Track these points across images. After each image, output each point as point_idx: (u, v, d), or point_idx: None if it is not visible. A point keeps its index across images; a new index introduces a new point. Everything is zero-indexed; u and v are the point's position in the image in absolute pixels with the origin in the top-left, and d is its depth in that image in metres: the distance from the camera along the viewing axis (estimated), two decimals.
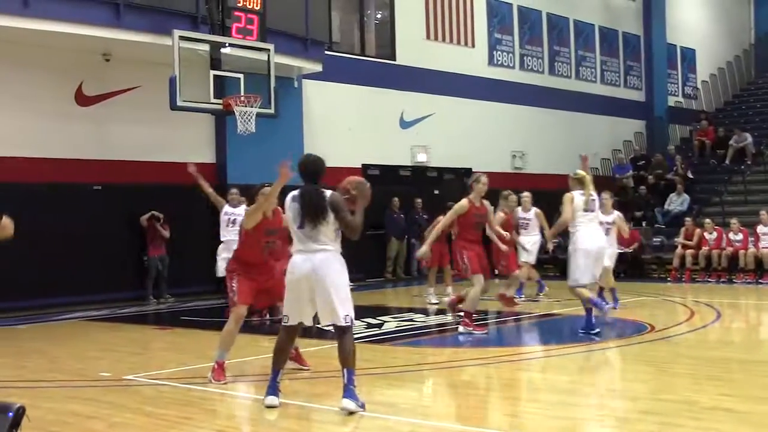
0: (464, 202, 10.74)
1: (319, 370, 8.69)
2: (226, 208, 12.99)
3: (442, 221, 11.34)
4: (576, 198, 10.58)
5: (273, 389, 6.80)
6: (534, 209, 14.73)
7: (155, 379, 8.28)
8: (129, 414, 6.80)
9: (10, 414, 2.34)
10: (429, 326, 11.91)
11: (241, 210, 11.53)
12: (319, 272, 6.56)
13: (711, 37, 31.87)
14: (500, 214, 13.37)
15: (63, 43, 15.04)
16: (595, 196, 10.74)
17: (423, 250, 11.37)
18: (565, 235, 11.55)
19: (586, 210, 10.59)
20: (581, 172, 10.81)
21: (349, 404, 6.47)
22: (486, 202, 10.96)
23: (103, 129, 16.36)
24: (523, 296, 14.70)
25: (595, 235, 10.68)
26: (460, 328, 10.81)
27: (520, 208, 14.60)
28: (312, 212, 6.66)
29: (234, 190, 13.46)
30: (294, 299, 6.73)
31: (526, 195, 14.80)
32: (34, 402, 6.91)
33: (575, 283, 10.46)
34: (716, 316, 12.50)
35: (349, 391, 6.53)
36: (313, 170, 7.08)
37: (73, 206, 15.54)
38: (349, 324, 6.61)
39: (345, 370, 6.60)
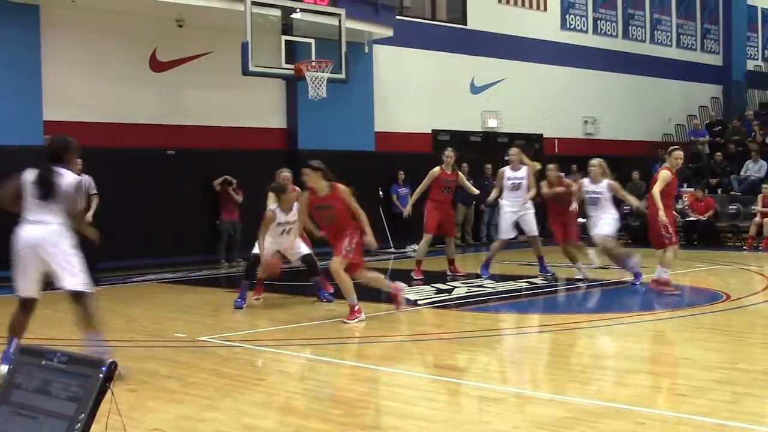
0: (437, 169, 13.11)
1: (389, 334, 8.76)
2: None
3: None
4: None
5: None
6: (606, 181, 12.05)
7: (229, 341, 8.44)
8: (204, 374, 6.95)
9: (104, 368, 2.41)
10: (498, 292, 11.88)
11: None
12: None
13: None
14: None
15: (137, 10, 15.28)
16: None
17: None
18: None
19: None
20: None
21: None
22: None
23: (176, 94, 16.58)
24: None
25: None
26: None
27: (587, 180, 12.30)
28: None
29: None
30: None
31: (595, 163, 12.33)
32: None
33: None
34: None
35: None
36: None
37: (147, 171, 15.82)
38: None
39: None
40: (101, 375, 2.38)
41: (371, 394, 6.43)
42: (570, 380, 6.75)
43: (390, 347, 8.25)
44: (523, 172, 13.01)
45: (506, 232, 13.14)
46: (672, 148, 11.51)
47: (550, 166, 13.11)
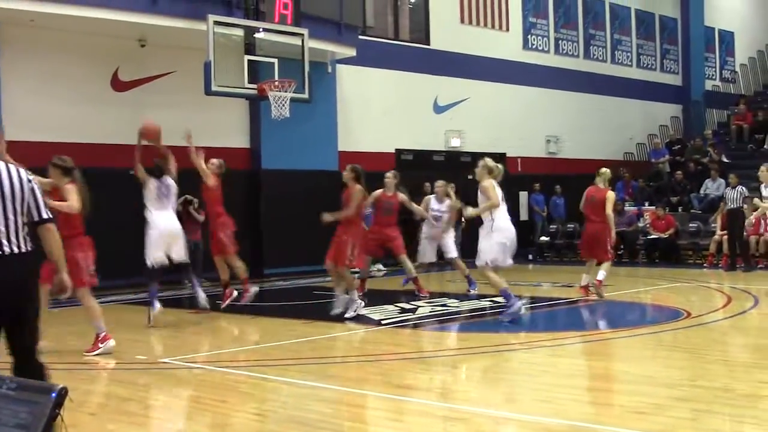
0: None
1: (353, 354, 8.73)
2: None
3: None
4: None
5: None
6: (448, 200, 14.11)
7: (190, 363, 8.36)
8: (164, 396, 6.88)
9: (53, 395, 2.37)
10: (462, 311, 11.90)
11: None
12: None
13: (750, 20, 31.41)
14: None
15: (99, 29, 15.17)
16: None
17: None
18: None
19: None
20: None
21: None
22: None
23: (138, 114, 16.39)
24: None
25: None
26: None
27: (433, 198, 14.24)
28: None
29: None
30: None
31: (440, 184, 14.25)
32: (73, 384, 6.97)
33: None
34: (754, 302, 12.37)
35: None
36: None
37: (109, 191, 15.65)
38: None
39: None
40: (51, 401, 2.34)
41: (333, 414, 6.39)
42: (533, 399, 6.76)
43: (352, 367, 8.22)
44: (445, 206, 14.04)
45: (427, 255, 14.13)
46: (602, 169, 12.97)
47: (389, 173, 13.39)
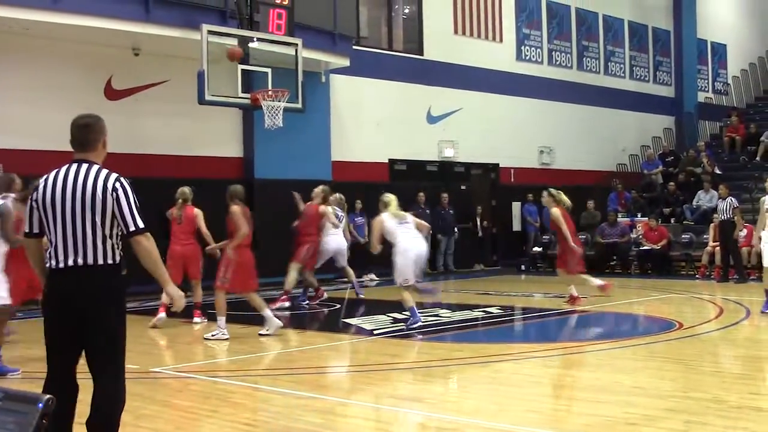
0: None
1: (346, 365, 8.71)
2: None
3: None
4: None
5: None
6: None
7: (182, 372, 8.33)
8: (156, 406, 6.85)
9: (40, 405, 2.36)
10: (454, 321, 11.89)
11: None
12: None
13: (742, 32, 31.56)
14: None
15: (93, 38, 15.18)
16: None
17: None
18: None
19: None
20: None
21: None
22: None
23: (132, 123, 16.45)
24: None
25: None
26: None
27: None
28: None
29: None
30: None
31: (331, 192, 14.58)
32: None
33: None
34: (746, 313, 12.39)
35: None
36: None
37: None
38: None
39: None
40: (38, 412, 2.33)
41: (325, 425, 6.37)
42: (524, 409, 6.76)
43: (345, 377, 8.20)
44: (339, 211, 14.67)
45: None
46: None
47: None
